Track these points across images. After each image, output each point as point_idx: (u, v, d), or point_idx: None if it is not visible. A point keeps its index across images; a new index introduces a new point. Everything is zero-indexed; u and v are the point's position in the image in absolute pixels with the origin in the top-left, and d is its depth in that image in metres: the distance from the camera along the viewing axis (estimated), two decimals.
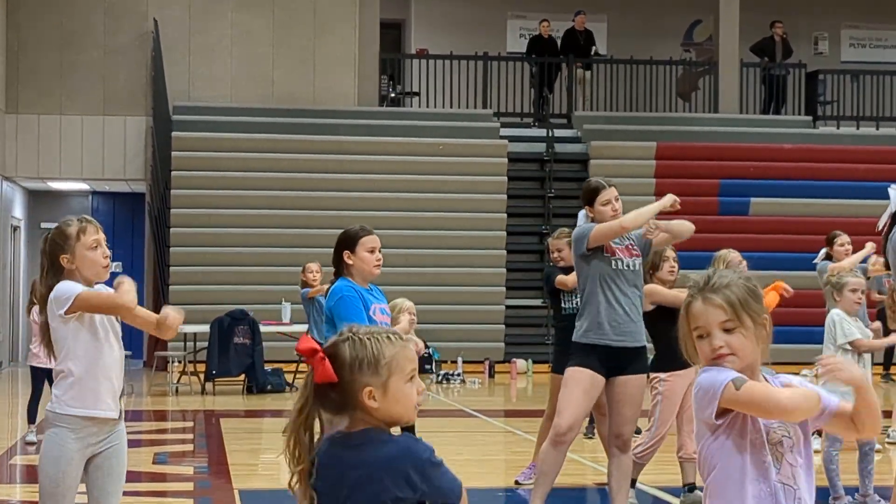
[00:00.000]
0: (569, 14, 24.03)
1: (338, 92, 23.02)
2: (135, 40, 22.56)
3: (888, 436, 11.65)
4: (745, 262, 8.53)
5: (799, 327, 15.59)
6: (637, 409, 7.52)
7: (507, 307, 21.35)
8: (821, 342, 8.52)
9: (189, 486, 9.82)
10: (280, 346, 18.02)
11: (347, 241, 6.59)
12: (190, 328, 17.47)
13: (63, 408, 5.28)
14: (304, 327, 15.33)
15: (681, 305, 3.52)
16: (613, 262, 7.34)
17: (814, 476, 3.49)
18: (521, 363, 20.40)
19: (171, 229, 21.11)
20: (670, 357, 7.68)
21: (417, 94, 24.07)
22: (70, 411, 5.26)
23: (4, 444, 12.07)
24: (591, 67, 24.27)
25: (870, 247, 11.07)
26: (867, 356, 8.33)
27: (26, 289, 20.74)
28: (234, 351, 17.11)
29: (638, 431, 8.63)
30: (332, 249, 6.65)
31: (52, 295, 5.27)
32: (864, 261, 11.35)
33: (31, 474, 9.89)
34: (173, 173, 21.39)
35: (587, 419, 10.81)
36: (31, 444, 11.47)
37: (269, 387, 17.29)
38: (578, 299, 7.70)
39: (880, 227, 6.31)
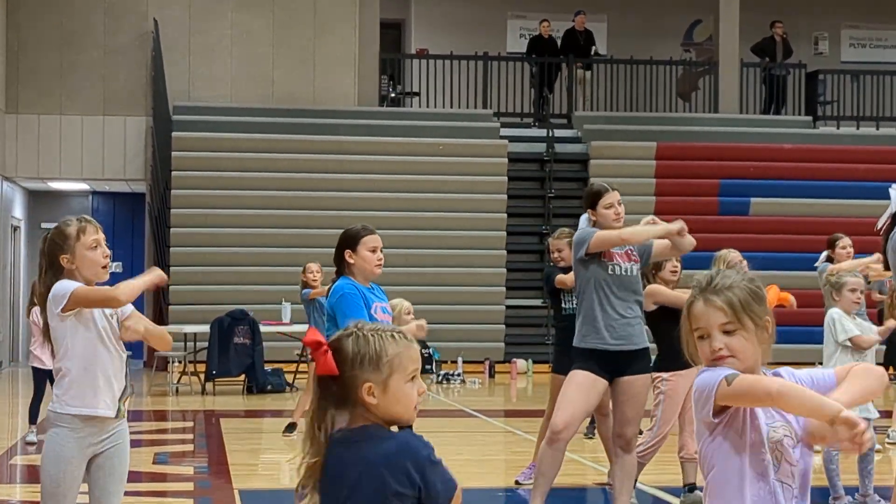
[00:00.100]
0: (569, 14, 24.02)
1: (338, 92, 23.01)
2: (135, 40, 22.55)
3: (888, 436, 11.64)
4: (745, 262, 8.53)
5: (799, 327, 15.56)
6: (640, 410, 7.53)
7: (508, 307, 21.33)
8: (821, 342, 8.53)
9: (189, 486, 9.82)
10: (280, 346, 18.02)
11: (349, 241, 6.59)
12: (190, 328, 17.50)
13: (63, 407, 5.28)
14: (304, 327, 15.31)
15: (683, 306, 3.53)
16: (610, 268, 7.37)
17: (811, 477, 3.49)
18: (521, 363, 20.40)
19: (171, 229, 21.09)
20: (673, 357, 7.68)
21: (417, 94, 24.06)
22: (70, 410, 5.27)
23: (5, 444, 12.08)
24: (591, 67, 24.25)
25: (876, 257, 11.05)
26: (870, 353, 8.33)
27: (26, 289, 20.74)
28: (234, 351, 17.10)
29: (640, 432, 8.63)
30: (333, 249, 6.66)
31: (50, 294, 5.28)
32: None
33: (31, 474, 9.89)
34: (173, 173, 21.37)
35: (588, 419, 10.81)
36: (32, 444, 11.48)
37: (269, 387, 17.28)
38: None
39: (879, 227, 6.30)
